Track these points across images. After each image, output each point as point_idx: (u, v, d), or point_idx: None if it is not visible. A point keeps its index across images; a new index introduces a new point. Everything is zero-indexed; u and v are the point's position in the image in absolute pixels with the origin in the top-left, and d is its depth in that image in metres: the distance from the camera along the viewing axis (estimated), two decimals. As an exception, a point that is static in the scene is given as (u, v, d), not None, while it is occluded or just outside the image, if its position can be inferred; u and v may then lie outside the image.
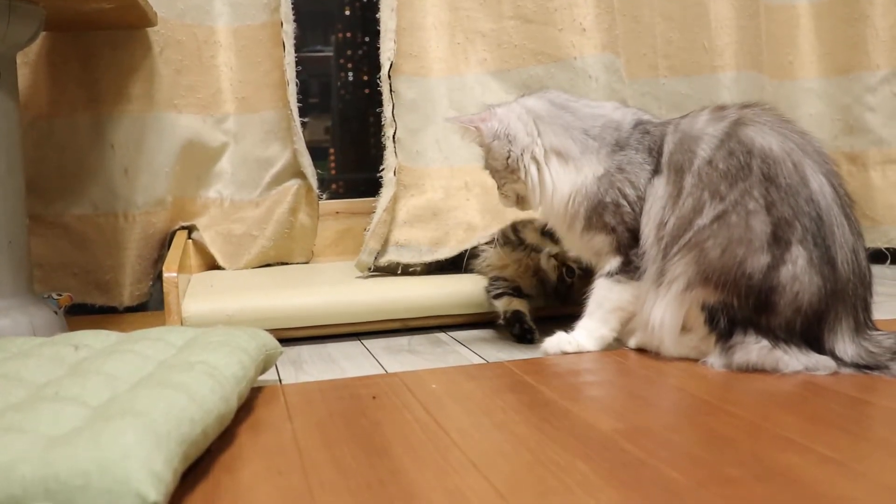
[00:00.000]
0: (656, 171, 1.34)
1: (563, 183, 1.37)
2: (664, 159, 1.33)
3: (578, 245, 1.42)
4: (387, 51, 1.90)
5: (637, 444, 0.93)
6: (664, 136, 1.36)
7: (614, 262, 1.37)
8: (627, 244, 1.35)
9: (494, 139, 1.40)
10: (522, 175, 1.39)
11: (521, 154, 1.38)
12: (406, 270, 1.82)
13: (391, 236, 1.83)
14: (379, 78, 1.91)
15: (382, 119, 1.91)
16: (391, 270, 1.82)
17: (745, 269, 1.21)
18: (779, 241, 1.20)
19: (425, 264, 1.82)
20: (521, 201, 1.44)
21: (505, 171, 1.41)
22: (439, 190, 1.93)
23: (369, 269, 1.82)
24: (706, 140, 1.29)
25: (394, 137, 1.88)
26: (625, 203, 1.34)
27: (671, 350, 1.30)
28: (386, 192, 1.86)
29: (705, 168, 1.27)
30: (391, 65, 1.89)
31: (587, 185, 1.36)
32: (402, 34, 1.95)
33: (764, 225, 1.20)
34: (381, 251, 1.82)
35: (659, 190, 1.32)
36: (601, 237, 1.37)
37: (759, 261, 1.20)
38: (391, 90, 1.89)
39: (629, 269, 1.35)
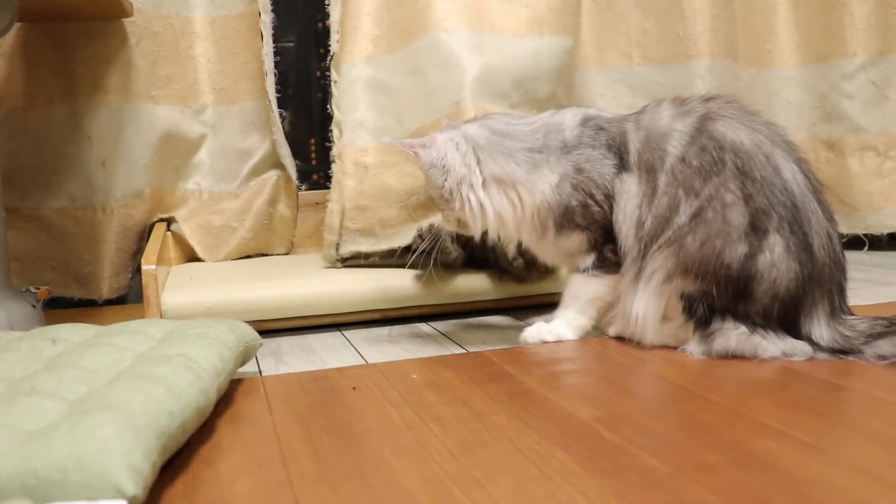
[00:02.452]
0: (623, 167, 1.33)
1: (507, 210, 1.36)
2: (632, 158, 1.33)
3: (552, 251, 1.41)
4: (334, 43, 1.88)
5: (616, 432, 0.94)
6: (625, 132, 1.35)
7: (588, 260, 1.37)
8: (602, 241, 1.35)
9: (431, 167, 1.38)
10: (457, 205, 1.37)
11: (458, 184, 1.36)
12: (369, 259, 1.81)
13: (348, 224, 1.81)
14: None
15: (328, 108, 1.89)
16: (356, 259, 1.81)
17: (723, 259, 1.21)
18: (756, 230, 1.21)
19: (388, 253, 1.79)
20: (461, 226, 1.42)
21: (440, 200, 1.39)
22: (401, 161, 1.86)
23: (336, 260, 1.81)
24: (676, 136, 1.29)
25: (336, 126, 1.86)
26: (592, 203, 1.33)
27: (652, 339, 1.31)
28: (335, 182, 1.84)
29: (678, 166, 1.27)
30: (332, 56, 1.87)
31: (547, 197, 1.35)
32: (366, 19, 1.90)
33: (741, 217, 1.21)
34: (341, 242, 1.81)
35: (631, 188, 1.32)
36: (575, 236, 1.35)
37: (737, 251, 1.21)
38: (335, 80, 1.88)
39: (603, 265, 1.36)
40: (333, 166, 1.86)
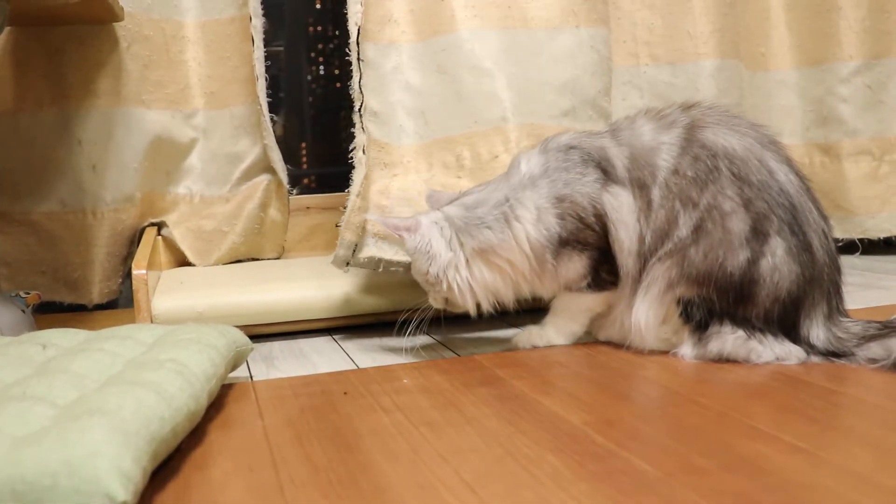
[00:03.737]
0: (610, 180, 1.30)
1: (496, 280, 1.34)
2: (620, 174, 1.30)
3: (552, 286, 1.37)
4: (354, 14, 1.68)
5: (607, 436, 0.94)
6: (603, 148, 1.32)
7: (582, 283, 1.34)
8: (598, 263, 1.32)
9: (416, 252, 1.35)
10: (444, 287, 1.34)
11: (444, 270, 1.33)
12: (389, 270, 1.64)
13: (368, 225, 1.59)
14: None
15: (351, 92, 1.70)
16: (373, 267, 1.62)
17: (726, 267, 1.21)
18: (757, 235, 1.20)
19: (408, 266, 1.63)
20: (450, 304, 1.39)
21: (426, 284, 1.37)
22: (425, 170, 1.75)
23: (348, 263, 1.64)
24: (665, 149, 1.28)
25: (360, 111, 1.67)
26: (583, 227, 1.30)
27: (652, 345, 1.30)
28: (357, 174, 1.61)
29: (672, 178, 1.26)
30: (359, 30, 1.68)
31: (533, 237, 1.30)
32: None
33: (742, 223, 1.21)
34: (360, 244, 1.60)
35: (626, 200, 1.29)
36: (573, 263, 1.32)
37: (739, 257, 1.20)
38: (360, 59, 1.68)
39: (598, 284, 1.34)
40: (356, 155, 1.65)
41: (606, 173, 1.30)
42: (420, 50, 1.76)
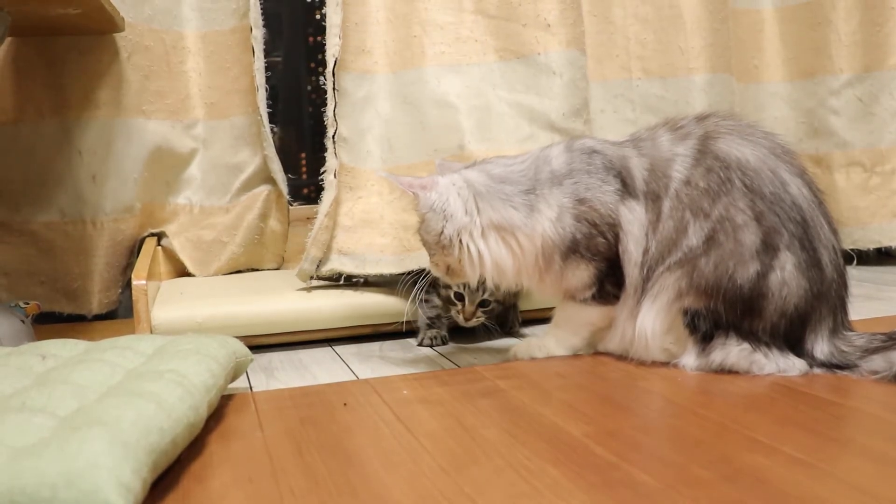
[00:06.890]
0: (627, 193, 1.30)
1: (506, 259, 1.32)
2: (639, 186, 1.30)
3: (553, 288, 1.36)
4: (332, 47, 1.79)
5: (607, 447, 0.94)
6: (625, 157, 1.32)
7: (587, 293, 1.34)
8: (605, 274, 1.32)
9: (430, 211, 1.33)
10: (455, 252, 1.32)
11: (458, 233, 1.31)
12: (350, 281, 1.78)
13: (333, 243, 1.76)
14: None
15: (325, 119, 1.81)
16: (335, 280, 1.77)
17: (735, 279, 1.21)
18: (767, 248, 1.20)
19: (370, 277, 1.77)
20: (451, 273, 1.37)
21: (436, 246, 1.34)
22: (387, 192, 1.84)
23: (311, 277, 1.77)
24: (679, 161, 1.28)
25: (334, 138, 1.79)
26: (596, 233, 1.30)
27: (655, 356, 1.30)
28: (327, 196, 1.77)
29: (684, 189, 1.26)
30: (335, 62, 1.79)
31: (549, 234, 1.30)
32: (356, 29, 1.86)
33: (754, 236, 1.20)
34: (324, 259, 1.76)
35: (639, 215, 1.29)
36: (581, 270, 1.32)
37: (748, 270, 1.20)
38: (335, 88, 1.80)
39: (602, 296, 1.33)
40: (327, 178, 1.78)
41: (625, 185, 1.30)
42: (391, 80, 1.86)
